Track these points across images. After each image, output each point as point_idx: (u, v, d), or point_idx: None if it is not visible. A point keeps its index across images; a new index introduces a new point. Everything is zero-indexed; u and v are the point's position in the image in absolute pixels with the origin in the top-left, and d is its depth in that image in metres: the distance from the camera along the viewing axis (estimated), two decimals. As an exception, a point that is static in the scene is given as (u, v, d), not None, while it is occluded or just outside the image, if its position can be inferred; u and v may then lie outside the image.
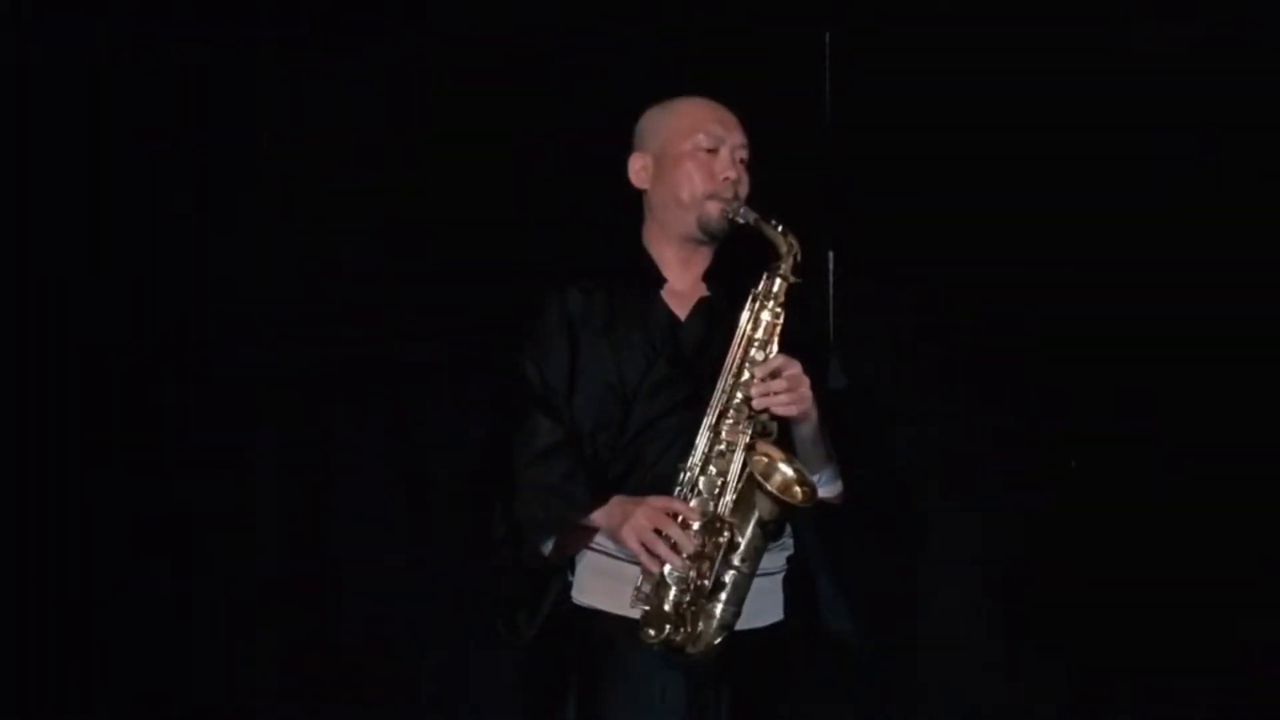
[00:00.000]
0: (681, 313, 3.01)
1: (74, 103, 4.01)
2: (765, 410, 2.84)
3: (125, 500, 4.03)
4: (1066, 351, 3.90)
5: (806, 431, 2.91)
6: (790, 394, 2.83)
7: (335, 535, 4.10)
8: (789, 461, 2.86)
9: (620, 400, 2.93)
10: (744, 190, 2.99)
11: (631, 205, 3.08)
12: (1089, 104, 3.86)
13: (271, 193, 4.10)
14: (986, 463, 3.99)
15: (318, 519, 4.10)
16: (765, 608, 2.93)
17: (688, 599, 2.79)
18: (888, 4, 3.98)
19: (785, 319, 2.89)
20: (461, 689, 4.02)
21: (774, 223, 2.91)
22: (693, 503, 2.83)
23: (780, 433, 2.87)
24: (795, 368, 2.85)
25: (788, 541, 2.98)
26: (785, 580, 2.98)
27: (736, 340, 2.88)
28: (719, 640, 2.80)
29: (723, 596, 2.80)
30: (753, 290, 2.90)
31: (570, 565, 2.94)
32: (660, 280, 3.03)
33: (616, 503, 2.86)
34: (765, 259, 2.91)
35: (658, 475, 2.89)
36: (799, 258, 2.89)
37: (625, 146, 3.08)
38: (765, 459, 2.84)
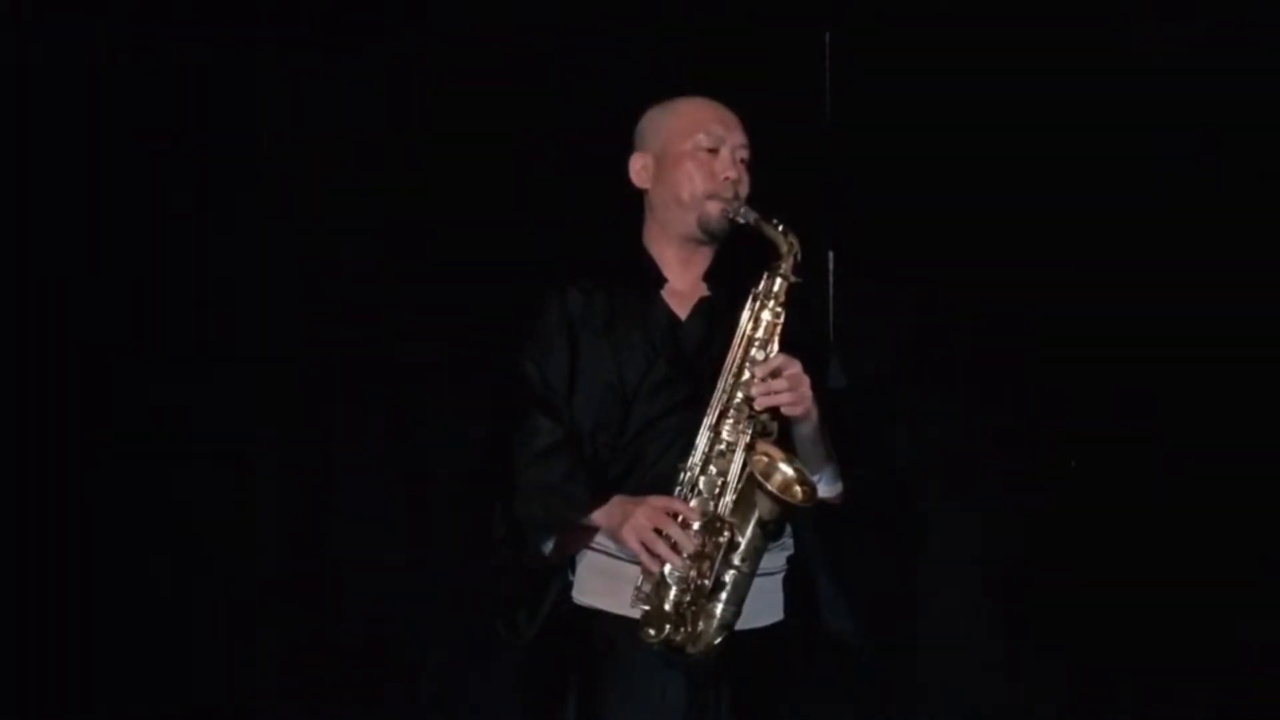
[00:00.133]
0: (682, 313, 3.01)
1: (74, 103, 4.01)
2: (766, 410, 2.84)
3: (125, 500, 4.03)
4: (1066, 351, 3.90)
5: (806, 431, 2.91)
6: (791, 393, 2.83)
7: (335, 535, 4.10)
8: (789, 461, 2.86)
9: (620, 400, 2.93)
10: (744, 190, 2.99)
11: (632, 205, 3.08)
12: (1089, 104, 3.86)
13: (271, 193, 4.10)
14: (986, 463, 3.99)
15: (318, 519, 4.10)
16: (765, 608, 2.93)
17: (688, 599, 2.79)
18: (888, 4, 3.98)
19: (785, 319, 2.88)
20: (461, 689, 4.01)
21: (774, 222, 2.90)
22: (693, 502, 2.83)
23: (780, 433, 2.87)
24: (796, 367, 2.85)
25: (788, 541, 2.98)
26: (785, 580, 2.98)
27: (737, 340, 2.88)
28: (719, 640, 2.80)
29: (723, 596, 2.80)
30: (753, 290, 2.90)
31: (570, 565, 2.94)
32: (660, 280, 3.03)
33: (617, 502, 2.86)
34: (765, 259, 2.90)
35: (658, 475, 2.88)
36: (799, 257, 2.89)
37: (625, 146, 3.08)
38: (765, 459, 2.84)
